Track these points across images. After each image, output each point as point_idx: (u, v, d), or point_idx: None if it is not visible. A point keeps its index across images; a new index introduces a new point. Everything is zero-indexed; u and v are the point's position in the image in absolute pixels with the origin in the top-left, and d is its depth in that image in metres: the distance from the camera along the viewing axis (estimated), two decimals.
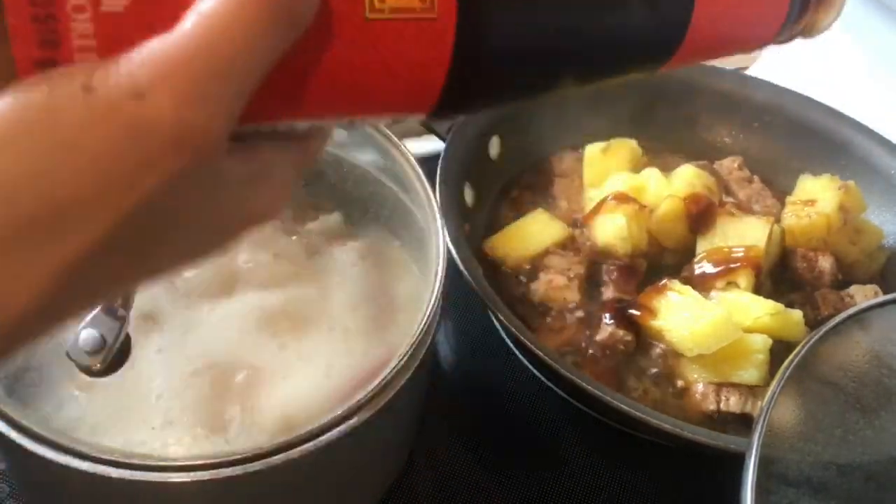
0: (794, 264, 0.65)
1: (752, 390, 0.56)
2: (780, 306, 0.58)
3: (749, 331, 0.57)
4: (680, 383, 0.57)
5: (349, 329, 0.49)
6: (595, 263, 0.63)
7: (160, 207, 0.22)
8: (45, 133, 0.20)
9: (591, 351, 0.59)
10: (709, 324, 0.56)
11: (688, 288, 0.59)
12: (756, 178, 0.72)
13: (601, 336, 0.58)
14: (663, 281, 0.60)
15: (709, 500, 0.57)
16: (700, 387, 0.56)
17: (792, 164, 0.73)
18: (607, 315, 0.59)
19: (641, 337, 0.59)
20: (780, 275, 0.64)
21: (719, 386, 0.56)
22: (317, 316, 0.50)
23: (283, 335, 0.48)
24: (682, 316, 0.57)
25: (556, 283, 0.61)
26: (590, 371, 0.57)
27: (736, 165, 0.73)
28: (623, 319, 0.59)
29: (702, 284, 0.61)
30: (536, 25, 0.26)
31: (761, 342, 0.56)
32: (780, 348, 0.56)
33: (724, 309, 0.58)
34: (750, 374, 0.56)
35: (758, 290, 0.60)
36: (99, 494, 0.40)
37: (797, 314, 0.58)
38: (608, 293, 0.61)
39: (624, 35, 0.28)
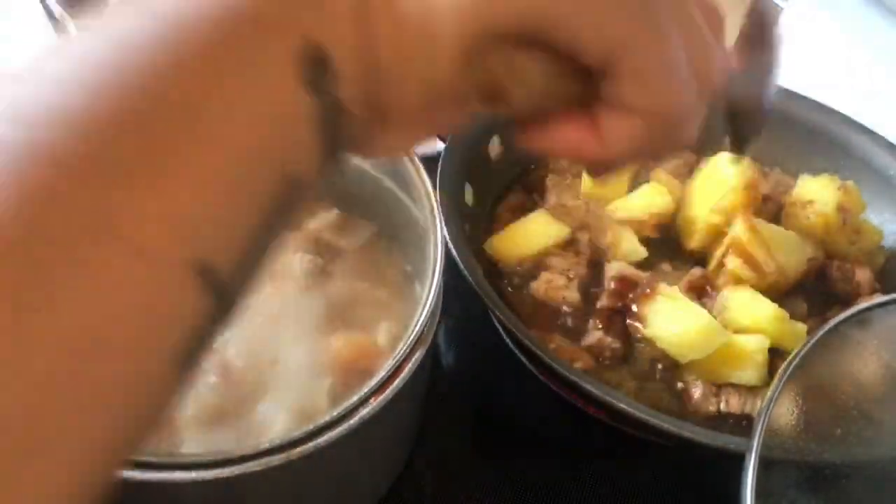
0: (830, 277, 0.64)
1: (751, 391, 0.56)
2: (785, 314, 0.57)
3: (748, 331, 0.57)
4: (679, 385, 0.57)
5: (347, 327, 0.49)
6: (596, 265, 0.63)
7: None
8: None
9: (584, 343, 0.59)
10: (696, 330, 0.55)
11: (676, 292, 0.58)
12: (766, 170, 0.72)
13: (588, 341, 0.58)
14: (654, 285, 0.59)
15: (709, 501, 0.57)
16: (699, 388, 0.56)
17: (791, 164, 0.73)
18: (597, 321, 0.59)
19: (636, 340, 0.59)
20: (817, 289, 0.64)
21: (719, 387, 0.56)
22: (315, 314, 0.50)
23: (281, 333, 0.48)
24: (670, 323, 0.57)
25: (556, 284, 0.61)
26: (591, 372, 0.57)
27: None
28: (612, 327, 0.58)
29: (710, 284, 0.61)
30: None
31: (759, 343, 0.56)
32: (779, 349, 0.56)
33: (721, 310, 0.58)
34: (749, 375, 0.56)
35: (788, 303, 0.60)
36: None
37: (802, 328, 0.58)
38: (603, 301, 0.60)
39: None
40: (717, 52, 0.27)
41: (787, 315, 0.58)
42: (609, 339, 0.58)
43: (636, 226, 0.65)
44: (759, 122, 0.44)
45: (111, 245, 0.17)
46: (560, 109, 0.26)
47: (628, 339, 0.59)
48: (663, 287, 0.59)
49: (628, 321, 0.59)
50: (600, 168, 0.29)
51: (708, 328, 0.56)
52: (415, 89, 0.23)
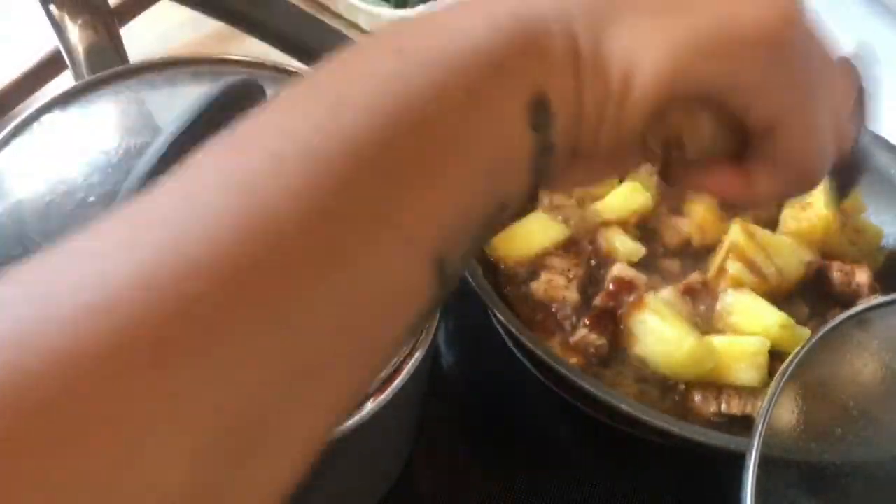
0: (830, 279, 0.63)
1: (752, 392, 0.55)
2: (791, 321, 0.57)
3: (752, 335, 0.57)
4: (681, 386, 0.57)
5: None
6: (597, 265, 0.63)
7: None
8: None
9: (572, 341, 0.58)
10: (685, 353, 0.55)
11: (665, 307, 0.58)
12: None
13: (574, 338, 0.58)
14: (641, 296, 0.58)
15: (709, 500, 0.57)
16: (700, 391, 0.56)
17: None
18: (586, 319, 0.59)
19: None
20: (817, 292, 0.63)
21: (720, 389, 0.56)
22: None
23: None
24: (658, 343, 0.56)
25: (556, 284, 0.61)
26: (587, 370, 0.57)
27: None
28: (599, 325, 0.58)
29: (708, 288, 0.61)
30: None
31: (760, 344, 0.56)
32: (778, 352, 0.56)
33: (723, 314, 0.58)
34: (750, 376, 0.55)
35: (788, 306, 0.59)
36: None
37: (806, 333, 0.57)
38: (598, 300, 0.60)
39: None
40: (850, 117, 0.33)
41: (794, 322, 0.57)
42: (594, 336, 0.58)
43: (622, 225, 0.65)
44: (859, 171, 0.47)
45: (390, 231, 0.22)
46: (716, 159, 0.31)
47: (616, 338, 0.58)
48: (650, 298, 0.58)
49: (622, 327, 0.59)
50: (738, 205, 0.34)
51: (696, 352, 0.55)
52: (606, 133, 0.27)
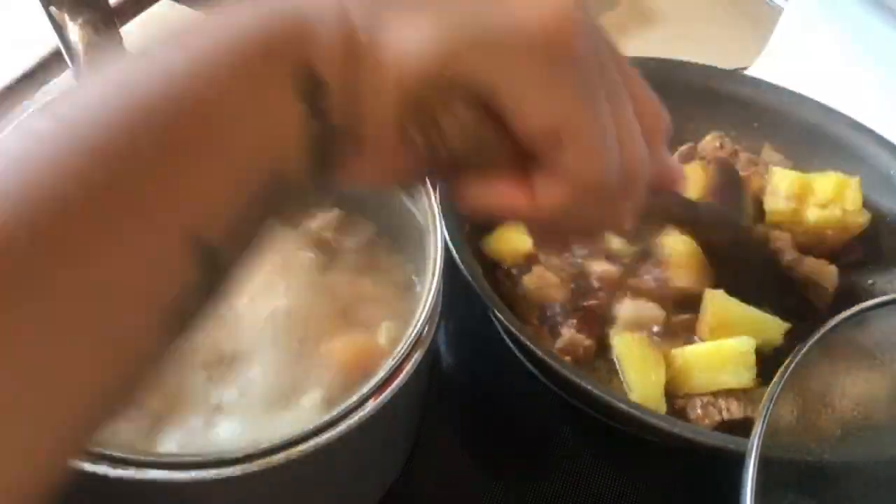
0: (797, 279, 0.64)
1: (748, 394, 0.55)
2: (764, 316, 0.58)
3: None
4: (678, 402, 0.57)
5: (349, 327, 0.49)
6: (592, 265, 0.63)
7: None
8: None
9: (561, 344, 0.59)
10: (643, 400, 0.55)
11: (629, 350, 0.58)
12: (738, 147, 0.72)
13: (561, 342, 0.58)
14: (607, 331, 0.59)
15: (709, 500, 0.57)
16: (697, 402, 0.56)
17: (790, 164, 0.73)
18: (574, 320, 0.59)
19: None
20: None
21: (716, 396, 0.56)
22: (315, 312, 0.50)
23: (282, 332, 0.48)
24: (626, 380, 0.57)
25: (550, 282, 0.61)
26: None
27: (718, 144, 0.72)
28: (587, 326, 0.58)
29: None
30: None
31: (747, 344, 0.56)
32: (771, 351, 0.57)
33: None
34: (742, 377, 0.55)
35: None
36: (96, 493, 0.40)
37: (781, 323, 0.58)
38: (590, 300, 0.60)
39: None
40: (640, 140, 0.30)
41: (767, 318, 0.58)
42: (581, 337, 0.58)
43: None
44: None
45: (132, 220, 0.22)
46: (494, 166, 0.29)
47: (602, 336, 0.59)
48: (616, 338, 0.58)
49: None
50: (543, 235, 0.34)
51: (649, 400, 0.55)
52: (372, 116, 0.27)
